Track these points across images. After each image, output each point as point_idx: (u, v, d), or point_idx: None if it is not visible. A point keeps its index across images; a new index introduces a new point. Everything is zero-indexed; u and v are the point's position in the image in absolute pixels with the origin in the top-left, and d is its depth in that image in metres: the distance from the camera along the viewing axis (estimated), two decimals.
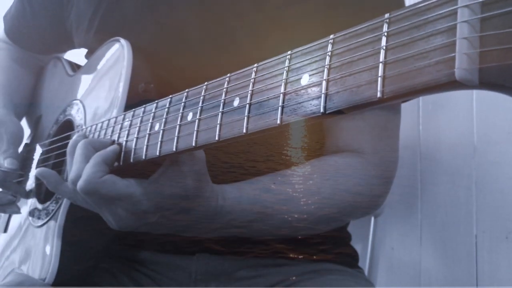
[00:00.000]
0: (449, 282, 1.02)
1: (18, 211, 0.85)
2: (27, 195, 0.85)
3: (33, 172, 0.86)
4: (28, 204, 0.83)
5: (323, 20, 0.68)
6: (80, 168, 0.55)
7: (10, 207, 0.84)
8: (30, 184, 0.85)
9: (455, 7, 0.28)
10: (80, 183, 0.54)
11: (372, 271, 0.98)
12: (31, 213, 0.80)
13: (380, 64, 0.31)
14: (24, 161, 0.89)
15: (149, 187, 0.54)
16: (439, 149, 1.06)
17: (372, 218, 1.00)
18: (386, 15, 0.32)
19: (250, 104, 0.41)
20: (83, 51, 0.88)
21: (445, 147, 1.05)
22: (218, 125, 0.43)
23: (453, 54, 0.27)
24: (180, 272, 0.73)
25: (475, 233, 0.98)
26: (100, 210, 0.58)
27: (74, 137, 0.61)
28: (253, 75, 0.42)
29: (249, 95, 0.41)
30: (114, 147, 0.57)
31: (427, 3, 0.29)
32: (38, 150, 0.88)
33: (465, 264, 0.99)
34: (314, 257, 0.75)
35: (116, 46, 0.73)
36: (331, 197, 0.65)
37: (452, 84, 0.28)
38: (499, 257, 0.94)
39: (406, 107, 0.77)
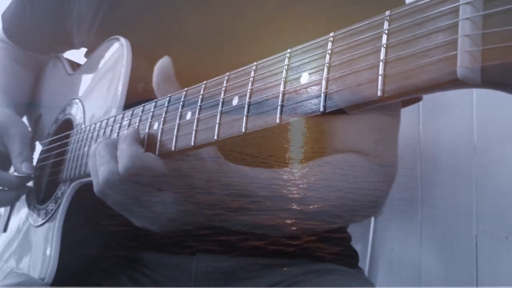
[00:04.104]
0: (449, 282, 1.02)
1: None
2: (28, 194, 0.84)
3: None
4: (27, 204, 0.83)
5: (323, 20, 0.68)
6: (111, 163, 0.51)
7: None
8: (30, 183, 0.85)
9: (456, 4, 0.27)
10: (123, 165, 0.49)
11: (372, 271, 0.98)
12: (31, 213, 0.80)
13: (381, 62, 0.31)
14: None
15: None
16: (439, 149, 1.06)
17: (372, 218, 1.00)
18: (387, 12, 0.31)
19: (249, 103, 0.40)
20: (83, 50, 0.88)
21: (445, 147, 1.05)
22: (217, 124, 0.43)
23: (454, 52, 0.27)
24: (180, 272, 0.73)
25: (475, 233, 0.98)
26: (140, 199, 0.53)
27: (93, 147, 0.57)
28: (252, 74, 0.41)
29: (248, 94, 0.41)
30: (131, 128, 0.54)
31: (428, 0, 0.29)
32: (39, 149, 0.88)
33: (465, 264, 0.99)
34: (314, 257, 0.75)
35: (116, 45, 0.73)
36: (333, 197, 0.64)
37: (454, 82, 0.27)
38: (499, 257, 0.94)
39: (406, 107, 0.76)
